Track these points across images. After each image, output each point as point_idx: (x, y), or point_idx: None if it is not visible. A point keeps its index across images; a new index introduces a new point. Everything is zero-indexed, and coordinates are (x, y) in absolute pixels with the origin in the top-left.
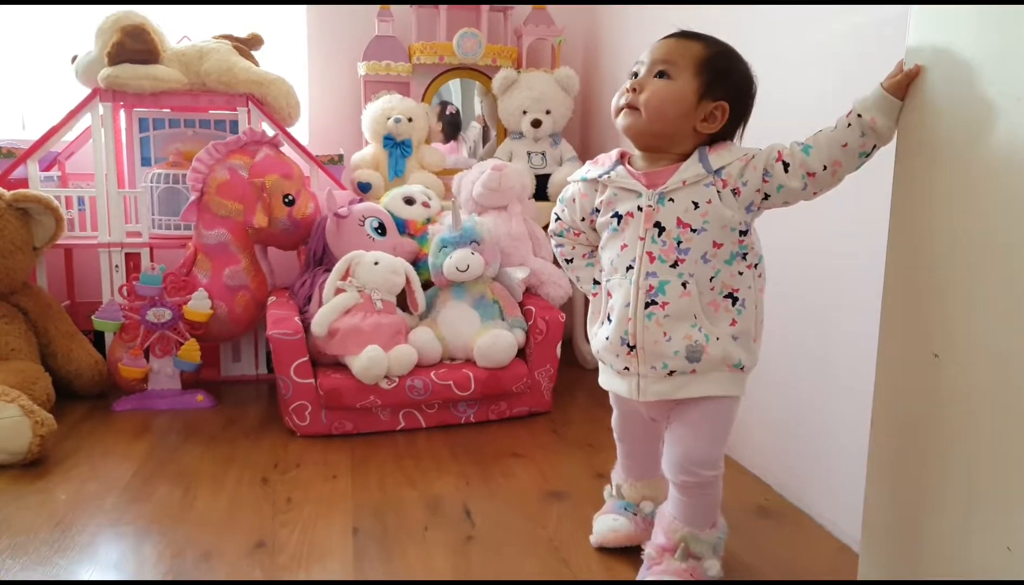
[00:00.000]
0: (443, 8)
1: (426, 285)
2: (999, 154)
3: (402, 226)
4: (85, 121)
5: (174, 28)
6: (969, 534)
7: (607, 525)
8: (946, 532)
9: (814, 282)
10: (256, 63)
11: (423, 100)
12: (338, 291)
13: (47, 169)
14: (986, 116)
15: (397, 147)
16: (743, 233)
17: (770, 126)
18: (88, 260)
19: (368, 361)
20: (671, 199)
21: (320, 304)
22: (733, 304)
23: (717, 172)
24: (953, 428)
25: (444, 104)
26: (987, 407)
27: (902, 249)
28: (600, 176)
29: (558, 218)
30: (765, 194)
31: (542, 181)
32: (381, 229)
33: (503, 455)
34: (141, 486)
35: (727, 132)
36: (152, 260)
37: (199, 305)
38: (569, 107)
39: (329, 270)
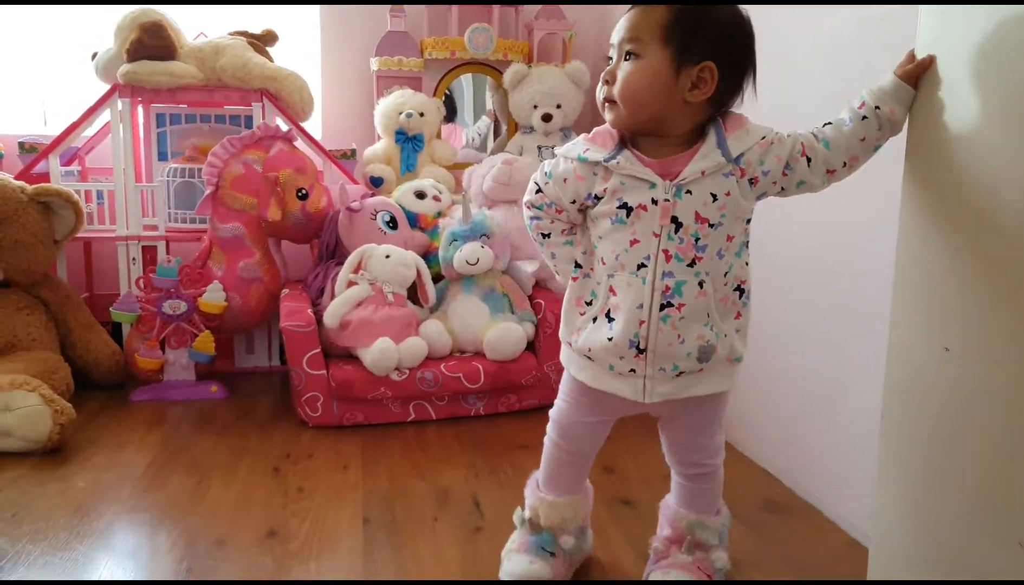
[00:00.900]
0: (455, 5)
1: (437, 278)
2: (1010, 147)
3: (413, 220)
4: (104, 116)
5: (191, 25)
6: (980, 530)
7: (523, 569)
8: (956, 527)
9: (825, 275)
10: (271, 59)
11: (435, 95)
12: (350, 284)
13: (67, 164)
14: (997, 109)
15: (409, 142)
16: (747, 221)
17: (781, 120)
18: (106, 253)
19: (379, 353)
20: (688, 191)
21: (332, 297)
22: (740, 296)
23: (737, 160)
24: (964, 422)
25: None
26: (998, 402)
27: (913, 242)
28: (605, 161)
29: (539, 190)
30: (782, 187)
31: None
32: (392, 223)
33: (512, 447)
34: (156, 475)
35: (731, 90)
36: (168, 253)
37: (214, 297)
38: (580, 101)
39: (341, 263)
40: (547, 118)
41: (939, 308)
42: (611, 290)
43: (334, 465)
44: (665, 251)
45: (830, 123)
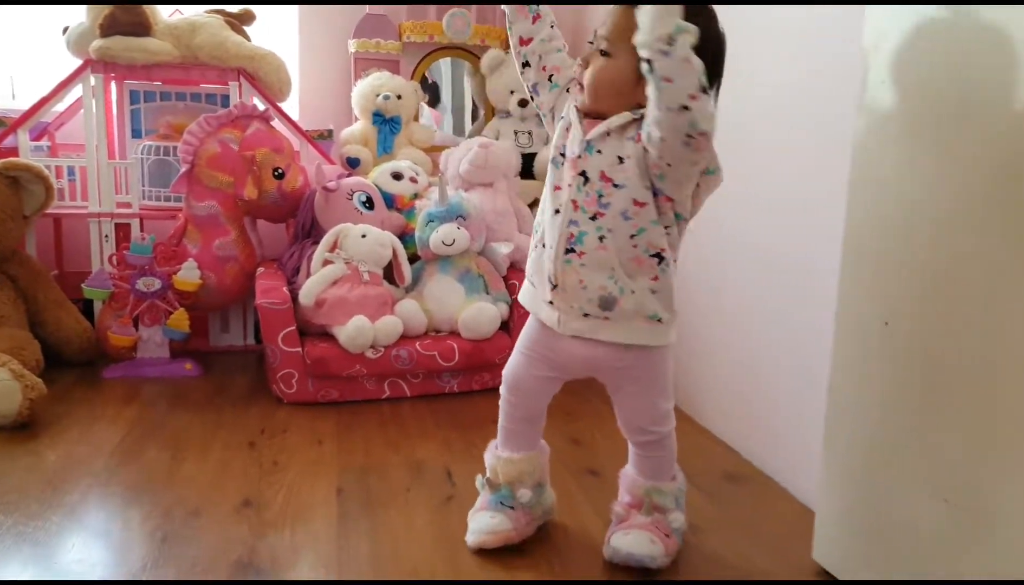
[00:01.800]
0: None
1: (413, 259)
2: (951, 131)
3: (390, 201)
4: (76, 92)
5: (166, 2)
6: (915, 490)
7: (485, 524)
8: (896, 489)
9: (776, 249)
10: (248, 38)
11: (412, 78)
12: (326, 262)
13: (37, 139)
14: (938, 95)
15: (386, 124)
16: (665, 197)
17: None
18: (77, 230)
19: (354, 331)
20: (599, 151)
21: (308, 275)
22: (660, 263)
23: (640, 122)
24: (902, 393)
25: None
26: (935, 370)
27: (859, 220)
28: (576, 102)
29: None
30: (659, 168)
31: (528, 160)
32: (369, 203)
33: (486, 422)
34: (130, 449)
35: None
36: (142, 231)
37: (189, 275)
38: None
39: (317, 243)
40: (523, 103)
41: (881, 285)
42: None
43: (309, 440)
44: (574, 201)
45: None
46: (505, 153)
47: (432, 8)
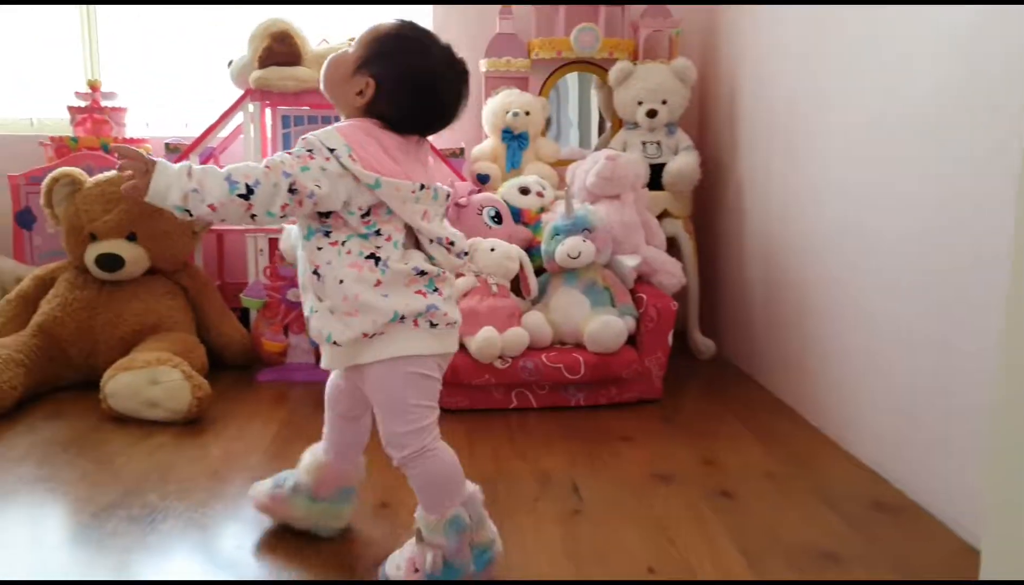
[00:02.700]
0: (562, 5)
1: (539, 271)
2: None
3: (517, 215)
4: (237, 119)
5: (314, 31)
6: None
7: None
8: None
9: (936, 271)
10: None
11: (540, 94)
12: (458, 275)
13: (205, 162)
14: None
15: (514, 140)
16: (322, 215)
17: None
18: (236, 244)
19: (484, 341)
20: None
21: None
22: (319, 280)
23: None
24: None
25: None
26: None
27: None
28: None
29: None
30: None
31: (657, 170)
32: (497, 218)
33: (611, 438)
34: (281, 447)
35: (386, 115)
36: None
37: None
38: (686, 97)
39: None
40: (652, 114)
41: None
42: None
43: None
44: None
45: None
46: (632, 165)
47: (561, 24)
